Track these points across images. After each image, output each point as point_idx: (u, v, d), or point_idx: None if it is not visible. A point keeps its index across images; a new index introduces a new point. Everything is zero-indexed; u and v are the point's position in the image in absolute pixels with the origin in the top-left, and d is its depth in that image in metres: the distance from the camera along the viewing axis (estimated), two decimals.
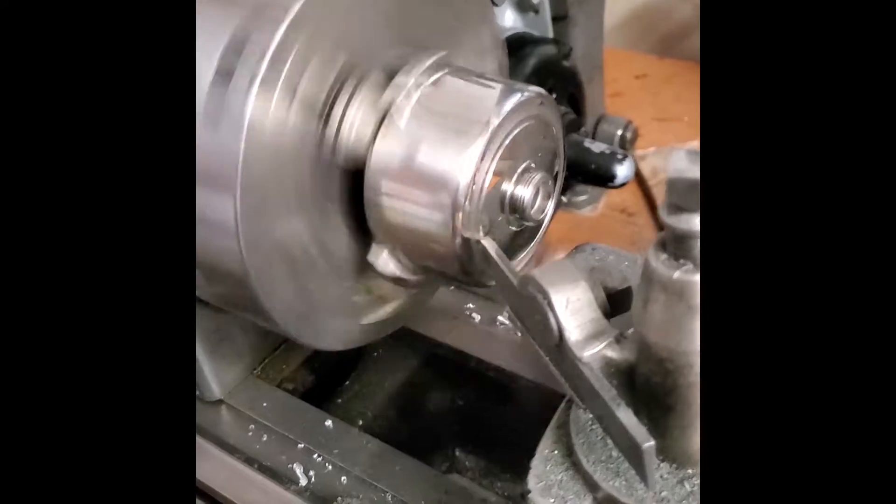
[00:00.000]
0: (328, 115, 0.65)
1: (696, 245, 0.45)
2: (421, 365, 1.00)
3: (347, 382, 1.01)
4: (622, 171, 1.30)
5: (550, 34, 1.39)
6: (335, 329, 0.73)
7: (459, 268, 0.65)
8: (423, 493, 0.80)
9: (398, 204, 0.65)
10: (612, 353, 0.53)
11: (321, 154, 0.65)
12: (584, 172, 1.33)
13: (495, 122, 0.63)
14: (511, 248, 0.68)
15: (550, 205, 0.68)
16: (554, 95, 1.33)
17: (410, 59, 0.67)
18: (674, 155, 0.43)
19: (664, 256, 0.46)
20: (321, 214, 0.67)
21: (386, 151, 0.65)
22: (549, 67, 1.31)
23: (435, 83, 0.67)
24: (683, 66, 1.73)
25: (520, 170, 0.65)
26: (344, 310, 0.72)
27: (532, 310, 0.55)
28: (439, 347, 0.97)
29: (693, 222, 0.44)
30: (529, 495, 0.55)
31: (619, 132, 1.45)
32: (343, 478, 0.81)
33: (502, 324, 0.95)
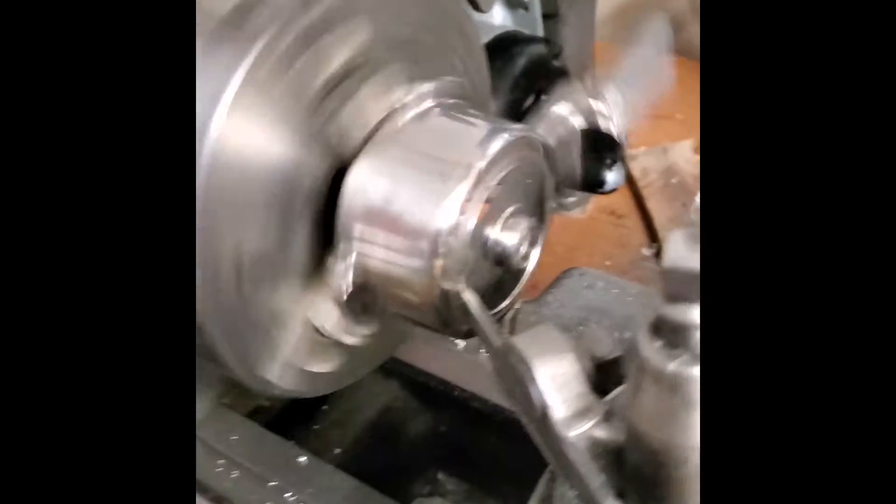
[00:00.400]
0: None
1: (695, 336, 0.40)
2: (401, 389, 0.97)
3: (325, 407, 0.97)
4: (612, 177, 1.26)
5: (540, 32, 1.34)
6: (291, 374, 0.68)
7: (437, 319, 0.61)
8: None
9: (371, 248, 0.61)
10: (601, 433, 0.49)
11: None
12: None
13: (480, 164, 0.59)
14: (492, 294, 0.64)
15: (536, 252, 0.64)
16: (544, 97, 1.29)
17: (395, 87, 0.63)
18: (671, 240, 0.39)
19: (658, 344, 0.42)
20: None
21: (361, 190, 0.60)
22: (538, 68, 1.26)
23: (419, 119, 0.62)
24: (674, 61, 1.68)
25: (505, 215, 0.61)
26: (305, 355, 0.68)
27: (514, 379, 0.51)
28: (420, 374, 0.93)
29: (692, 314, 0.40)
30: None
31: None
32: None
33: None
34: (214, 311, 0.57)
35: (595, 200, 1.47)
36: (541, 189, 0.64)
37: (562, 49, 1.30)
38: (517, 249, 0.61)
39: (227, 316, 0.58)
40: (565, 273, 0.95)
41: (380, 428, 0.97)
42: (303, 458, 0.83)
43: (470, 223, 0.59)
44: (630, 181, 1.48)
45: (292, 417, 0.98)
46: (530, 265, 0.64)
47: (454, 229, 0.58)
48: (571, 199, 1.47)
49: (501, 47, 1.22)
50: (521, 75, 1.24)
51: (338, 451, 0.94)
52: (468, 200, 0.58)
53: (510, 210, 0.61)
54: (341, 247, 0.61)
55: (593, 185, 1.28)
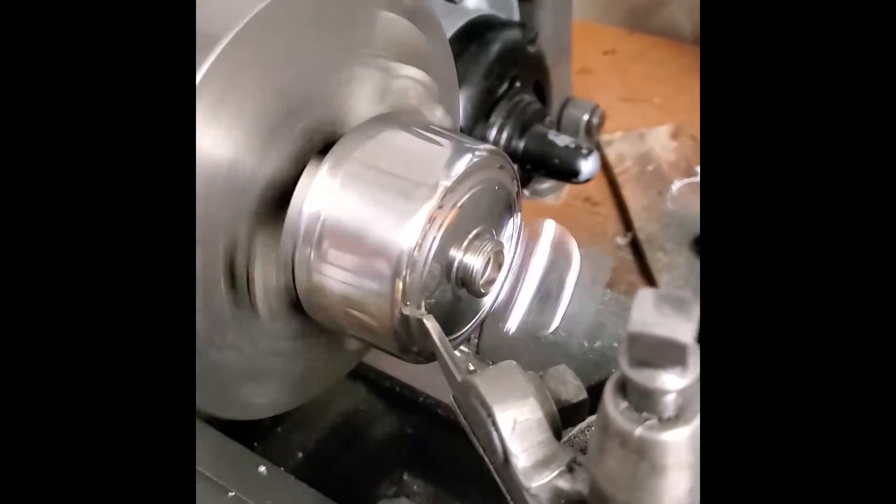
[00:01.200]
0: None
1: (663, 400, 0.38)
2: (367, 392, 0.94)
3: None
4: (587, 166, 1.24)
5: (516, 16, 1.30)
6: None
7: (396, 344, 0.58)
8: None
9: (325, 266, 0.58)
10: (564, 484, 0.46)
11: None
12: (547, 167, 1.26)
13: (445, 184, 0.56)
14: (453, 319, 0.61)
15: (502, 275, 0.61)
16: (518, 84, 1.25)
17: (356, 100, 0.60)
18: (638, 300, 0.36)
19: (624, 405, 0.39)
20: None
21: (317, 208, 0.57)
22: (513, 54, 1.23)
23: (381, 133, 0.59)
24: (653, 42, 1.65)
25: (470, 237, 0.58)
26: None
27: (475, 419, 0.49)
28: (386, 378, 0.91)
29: (659, 380, 0.37)
30: None
31: (586, 117, 1.38)
32: None
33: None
34: None
35: (570, 187, 1.45)
36: (509, 209, 0.62)
37: (537, 34, 1.27)
38: (481, 273, 0.59)
39: None
40: None
41: (344, 430, 0.95)
42: (262, 468, 0.81)
43: (433, 245, 0.56)
44: (605, 167, 1.45)
45: (255, 420, 0.96)
46: (494, 289, 0.61)
47: (416, 251, 0.55)
48: (546, 185, 1.45)
49: (475, 32, 1.19)
50: (496, 62, 1.20)
51: (300, 454, 0.92)
52: (431, 221, 0.56)
53: (475, 232, 0.58)
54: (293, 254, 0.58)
55: (568, 174, 1.25)
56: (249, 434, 0.92)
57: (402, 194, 0.56)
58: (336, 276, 0.58)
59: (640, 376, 0.37)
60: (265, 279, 0.60)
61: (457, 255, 0.58)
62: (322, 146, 0.60)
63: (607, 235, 1.40)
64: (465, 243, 0.58)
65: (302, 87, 0.58)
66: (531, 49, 1.25)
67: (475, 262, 0.58)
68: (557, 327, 0.81)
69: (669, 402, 0.38)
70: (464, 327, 0.63)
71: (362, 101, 0.62)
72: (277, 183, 0.58)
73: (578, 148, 1.23)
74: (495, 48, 1.20)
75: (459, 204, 0.56)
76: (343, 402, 0.95)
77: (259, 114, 0.55)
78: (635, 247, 1.36)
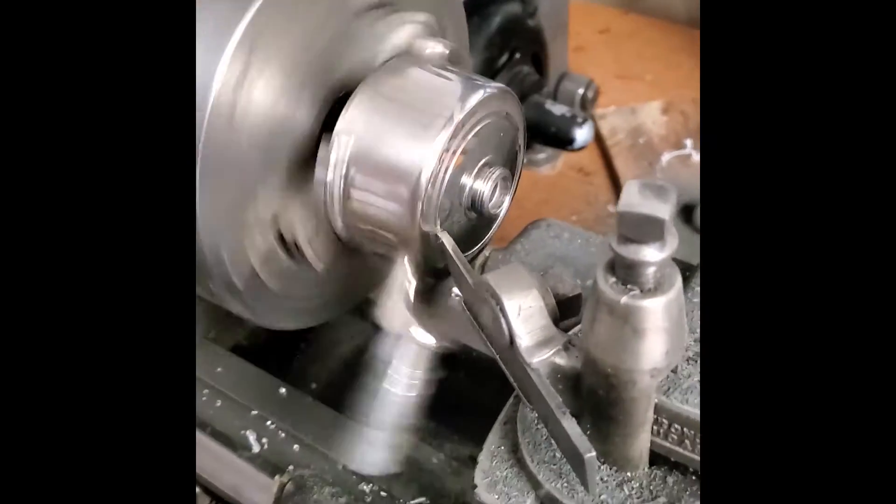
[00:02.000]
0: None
1: (644, 272, 0.46)
2: (374, 329, 1.02)
3: (302, 345, 1.02)
4: (581, 134, 1.32)
5: None
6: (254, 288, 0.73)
7: (414, 258, 0.66)
8: (375, 461, 0.82)
9: (356, 192, 0.65)
10: (560, 361, 0.54)
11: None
12: (543, 134, 1.34)
13: (459, 116, 0.63)
14: (465, 238, 0.69)
15: (507, 200, 0.69)
16: (517, 55, 1.33)
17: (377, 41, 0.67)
18: (627, 187, 0.44)
19: (612, 280, 0.47)
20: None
21: (347, 137, 0.65)
22: (513, 27, 1.31)
23: (405, 70, 0.67)
24: (646, 22, 1.73)
25: (479, 165, 0.66)
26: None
27: (485, 311, 0.57)
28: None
29: (642, 252, 0.45)
30: (476, 490, 0.58)
31: (581, 91, 1.46)
32: (296, 446, 0.83)
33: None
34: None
35: (564, 158, 1.53)
36: (513, 142, 0.69)
37: (537, 8, 1.34)
38: (489, 197, 0.66)
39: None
40: (533, 224, 0.99)
41: (353, 366, 1.02)
42: (283, 390, 0.88)
43: (448, 171, 0.64)
44: (598, 140, 1.53)
45: (270, 355, 1.04)
46: (502, 212, 0.69)
47: (433, 176, 0.63)
48: (542, 156, 1.53)
49: (478, 5, 1.26)
50: (497, 34, 1.28)
51: (314, 385, 0.99)
52: (447, 150, 0.63)
53: (484, 160, 0.66)
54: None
55: (564, 141, 1.33)
56: (267, 366, 1.00)
57: (421, 125, 0.64)
58: (362, 199, 0.65)
59: (626, 251, 0.45)
60: (309, 236, 0.68)
61: (468, 180, 0.66)
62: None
63: (599, 203, 1.47)
64: (476, 170, 0.66)
65: (327, 42, 0.65)
66: (531, 22, 1.33)
67: (484, 187, 0.66)
68: (552, 265, 0.88)
69: (649, 274, 0.46)
70: (474, 247, 0.71)
71: (384, 49, 0.70)
72: (308, 137, 0.66)
73: (574, 117, 1.31)
74: (496, 20, 1.28)
75: (471, 134, 0.64)
76: (353, 340, 1.02)
77: (291, 68, 0.63)
78: None
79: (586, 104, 1.47)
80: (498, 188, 0.67)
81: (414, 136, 0.64)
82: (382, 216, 0.65)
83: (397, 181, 0.64)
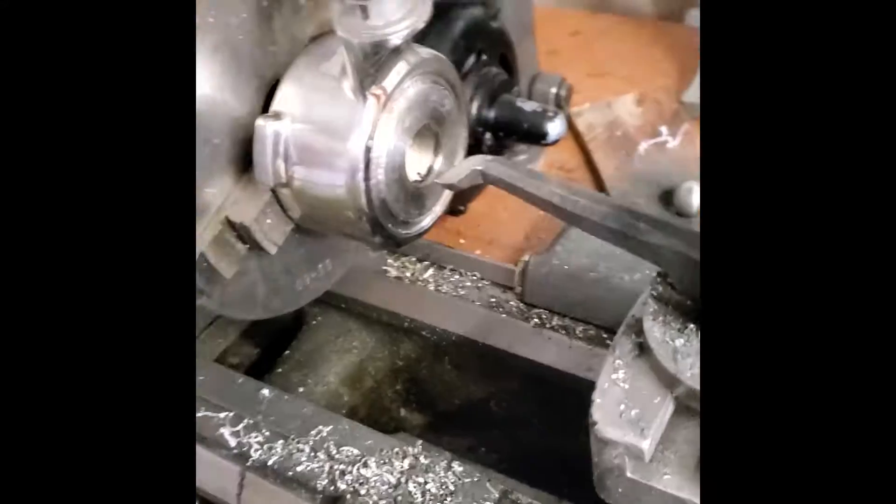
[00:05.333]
0: None
1: None
2: (358, 328, 1.02)
3: (287, 352, 1.03)
4: (554, 128, 1.32)
5: None
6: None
7: (370, 227, 0.67)
8: (365, 448, 0.81)
9: (298, 170, 0.66)
10: None
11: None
12: (517, 132, 1.34)
13: (392, 82, 0.65)
14: (411, 207, 0.70)
15: (439, 161, 0.70)
16: (484, 57, 1.35)
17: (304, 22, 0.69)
18: None
19: None
20: None
21: (282, 118, 0.66)
22: (477, 30, 1.32)
23: (329, 49, 0.68)
24: (616, 20, 1.75)
25: (419, 130, 0.67)
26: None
27: None
28: (374, 310, 0.99)
29: None
30: (596, 427, 0.59)
31: (554, 90, 1.47)
32: (280, 441, 0.83)
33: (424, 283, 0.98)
34: None
35: (545, 156, 1.54)
36: (451, 106, 0.71)
37: (499, 9, 1.36)
38: (430, 165, 0.67)
39: None
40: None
41: (340, 369, 1.02)
42: (265, 391, 0.89)
43: (384, 139, 0.65)
44: (577, 136, 1.54)
45: (258, 365, 1.04)
46: (447, 179, 0.70)
47: (370, 146, 0.64)
48: (523, 157, 1.54)
49: (439, 11, 1.28)
50: (461, 37, 1.29)
51: (301, 389, 0.99)
52: (379, 119, 0.64)
53: (422, 127, 0.67)
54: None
55: (537, 136, 1.34)
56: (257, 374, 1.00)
57: (353, 97, 0.65)
58: (307, 179, 0.66)
59: None
60: (258, 218, 0.69)
61: (405, 145, 0.67)
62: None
63: None
64: (413, 138, 0.67)
65: (256, 27, 0.67)
66: (494, 24, 1.35)
67: (421, 153, 0.67)
68: (597, 264, 0.89)
69: None
70: (423, 218, 0.71)
71: (311, 29, 0.71)
72: (248, 122, 0.67)
73: (545, 111, 1.32)
74: (459, 24, 1.29)
75: (406, 103, 0.65)
76: (336, 341, 1.02)
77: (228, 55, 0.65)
78: None
79: (561, 103, 1.49)
80: (439, 156, 0.68)
81: (347, 107, 0.65)
82: (326, 191, 0.66)
83: (337, 154, 0.65)
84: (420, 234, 0.73)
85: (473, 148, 1.01)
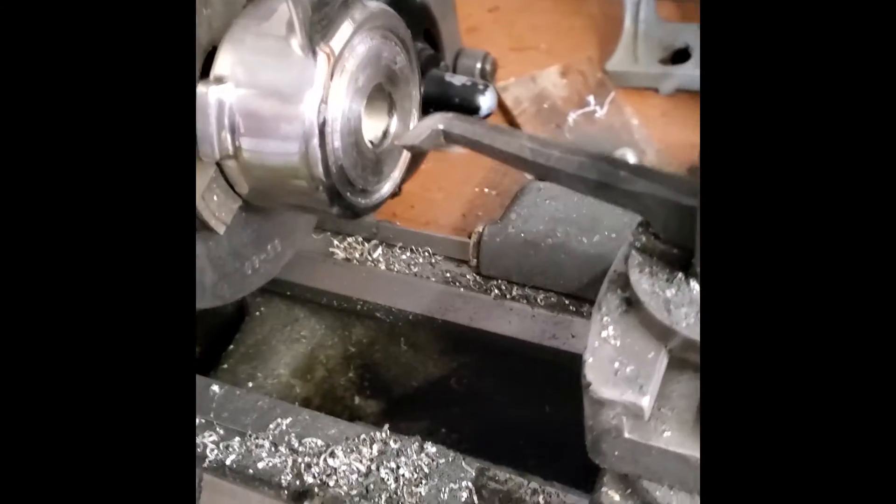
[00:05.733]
0: None
1: None
2: (306, 316, 0.98)
3: (232, 346, 0.97)
4: (485, 101, 1.29)
5: None
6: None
7: (326, 197, 0.63)
8: (329, 438, 0.77)
9: (246, 141, 0.61)
10: None
11: None
12: (448, 106, 1.31)
13: (340, 41, 0.60)
14: (370, 174, 0.66)
15: (394, 123, 0.66)
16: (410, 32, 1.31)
17: None
18: None
19: None
20: None
21: (224, 84, 0.61)
22: (399, 5, 1.28)
23: (269, 9, 0.63)
24: None
25: (371, 90, 0.63)
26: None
27: None
28: (323, 295, 0.94)
29: None
30: (591, 388, 0.54)
31: (479, 65, 1.44)
32: (236, 438, 0.78)
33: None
34: None
35: None
36: (404, 67, 0.67)
37: None
38: (385, 128, 0.63)
39: None
40: (522, 190, 0.97)
41: (291, 358, 0.97)
42: (215, 387, 0.83)
43: (338, 101, 0.60)
44: (504, 111, 1.52)
45: (202, 361, 0.99)
46: (407, 140, 0.66)
47: (324, 108, 0.60)
48: None
49: None
50: None
51: (251, 384, 0.94)
52: (331, 79, 0.60)
53: (374, 86, 0.63)
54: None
55: (469, 110, 1.31)
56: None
57: (300, 57, 0.60)
58: (256, 149, 0.61)
59: None
60: (203, 194, 0.64)
61: (361, 107, 0.62)
62: None
63: (517, 172, 1.45)
64: (366, 98, 0.63)
65: None
66: (417, 0, 1.31)
67: (376, 115, 0.63)
68: (554, 229, 0.85)
69: None
70: (381, 184, 0.67)
71: None
72: None
73: (475, 85, 1.29)
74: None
75: (356, 61, 0.61)
76: (284, 330, 0.98)
77: None
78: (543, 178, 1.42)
79: (486, 77, 1.46)
80: (394, 117, 0.64)
81: (294, 69, 0.60)
82: (278, 160, 0.62)
83: (288, 119, 0.60)
84: (379, 204, 0.68)
85: None
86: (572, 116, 1.47)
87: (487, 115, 1.32)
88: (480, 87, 1.29)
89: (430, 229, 1.32)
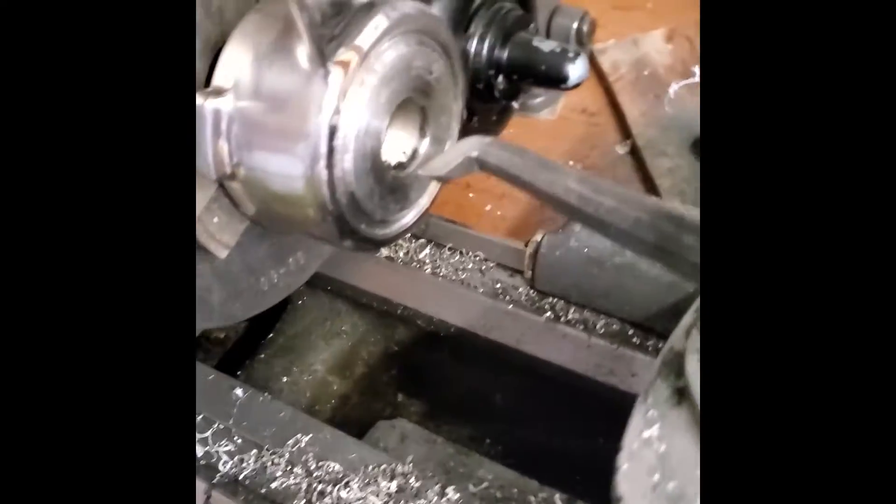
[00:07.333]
0: None
1: None
2: (349, 311, 0.91)
3: (271, 335, 0.92)
4: (575, 70, 1.18)
5: None
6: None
7: (336, 229, 0.55)
8: (348, 463, 0.71)
9: (248, 156, 0.54)
10: None
11: None
12: (534, 75, 1.20)
13: (362, 48, 0.51)
14: (389, 200, 0.57)
15: (426, 143, 0.57)
16: None
17: None
18: None
19: None
20: None
21: (226, 91, 0.53)
22: None
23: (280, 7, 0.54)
24: None
25: (397, 105, 0.54)
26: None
27: None
28: (363, 295, 0.87)
29: None
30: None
31: (576, 25, 1.32)
32: (253, 451, 0.73)
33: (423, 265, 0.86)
34: None
35: (564, 99, 1.40)
36: (442, 77, 0.57)
37: None
38: (415, 148, 0.54)
39: None
40: None
41: (329, 353, 0.92)
42: (238, 391, 0.78)
43: (353, 117, 0.52)
44: (600, 76, 1.41)
45: (238, 352, 0.94)
46: (434, 171, 0.57)
47: (335, 127, 0.51)
48: (538, 100, 1.40)
49: None
50: None
51: (286, 379, 0.89)
52: (346, 94, 0.51)
53: (402, 101, 0.54)
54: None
55: (557, 80, 1.20)
56: (232, 365, 0.90)
57: (310, 66, 0.52)
58: (257, 169, 0.54)
59: None
60: (201, 215, 0.56)
61: (382, 125, 0.53)
62: None
63: (607, 144, 1.35)
64: (392, 115, 0.54)
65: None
66: None
67: (404, 133, 0.54)
68: (623, 249, 0.75)
69: None
70: (405, 212, 0.59)
71: None
72: None
73: (565, 52, 1.17)
74: None
75: (382, 70, 0.52)
76: (324, 324, 0.92)
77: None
78: (635, 154, 1.31)
79: (582, 39, 1.34)
80: (425, 136, 0.55)
81: (304, 79, 0.51)
82: (280, 183, 0.54)
83: (292, 137, 0.52)
84: (403, 233, 0.59)
85: (484, 94, 0.89)
86: (674, 88, 1.35)
87: (577, 85, 1.21)
88: (570, 54, 1.17)
89: (505, 202, 1.23)
